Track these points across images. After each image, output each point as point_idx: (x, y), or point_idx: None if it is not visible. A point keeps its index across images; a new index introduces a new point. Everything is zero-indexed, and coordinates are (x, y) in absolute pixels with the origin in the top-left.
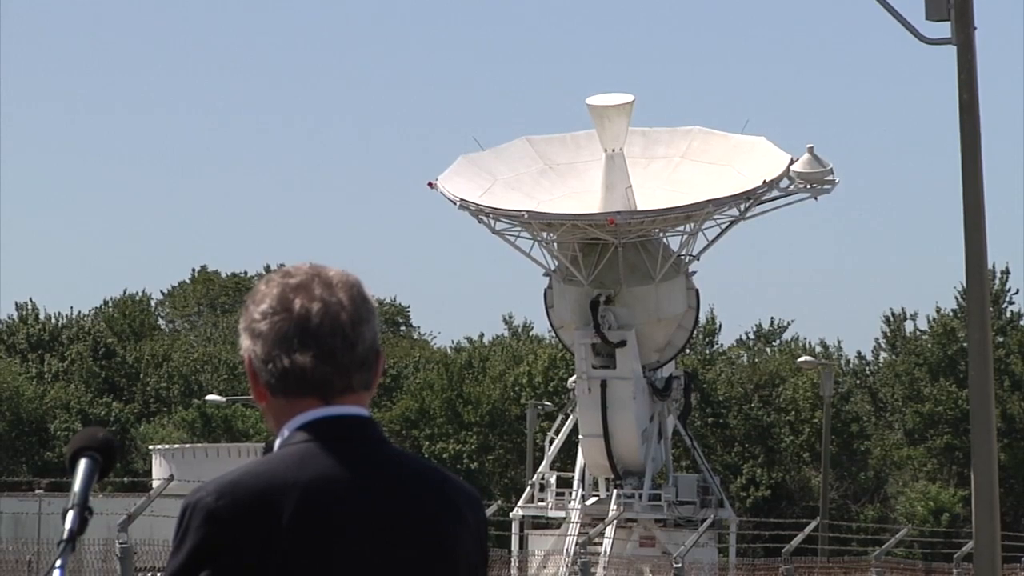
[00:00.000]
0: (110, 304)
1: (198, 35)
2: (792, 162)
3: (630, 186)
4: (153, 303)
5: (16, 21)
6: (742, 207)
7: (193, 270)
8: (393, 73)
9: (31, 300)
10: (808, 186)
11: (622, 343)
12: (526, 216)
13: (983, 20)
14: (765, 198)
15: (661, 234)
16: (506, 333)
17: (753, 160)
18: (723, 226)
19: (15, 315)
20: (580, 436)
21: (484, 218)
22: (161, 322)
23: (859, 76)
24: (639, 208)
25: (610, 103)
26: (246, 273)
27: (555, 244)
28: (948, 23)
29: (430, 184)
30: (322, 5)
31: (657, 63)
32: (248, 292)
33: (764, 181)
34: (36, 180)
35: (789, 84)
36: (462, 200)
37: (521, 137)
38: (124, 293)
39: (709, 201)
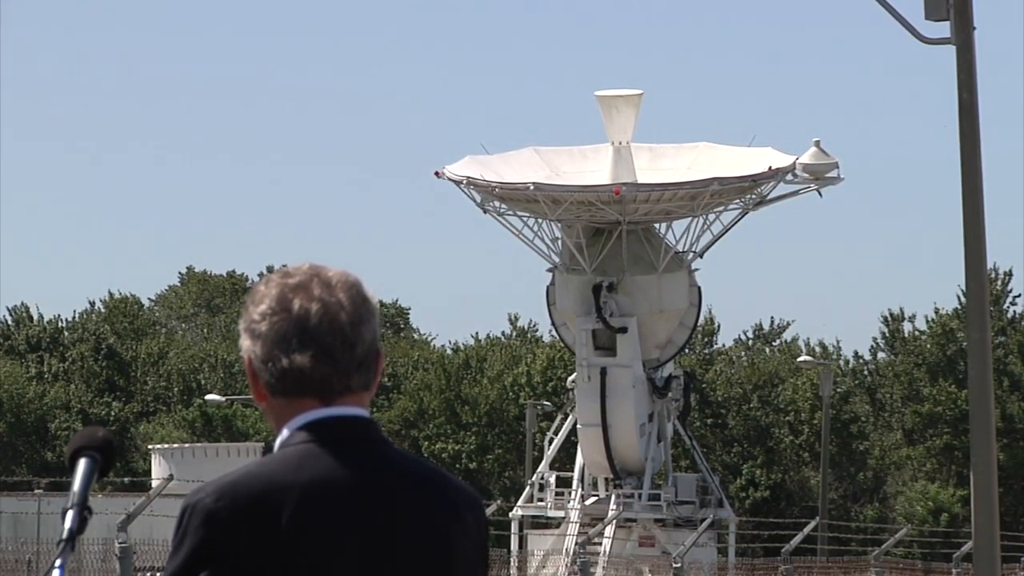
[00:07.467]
0: (98, 306)
1: (194, 28)
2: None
3: (636, 180)
4: (146, 305)
5: (15, 23)
6: (747, 199)
7: (181, 273)
8: (395, 73)
9: (23, 303)
10: (813, 179)
11: (623, 329)
12: (531, 188)
13: (983, 20)
14: (770, 195)
15: (662, 227)
16: (506, 334)
17: (759, 167)
18: (727, 223)
19: (8, 317)
20: (578, 426)
21: (490, 205)
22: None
23: (859, 77)
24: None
25: (619, 94)
26: (236, 271)
27: (558, 225)
28: (947, 23)
29: (436, 173)
30: (322, 4)
31: (659, 70)
32: (246, 292)
33: (770, 167)
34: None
35: (788, 86)
36: (468, 178)
37: (529, 147)
38: (109, 296)
39: (715, 179)
